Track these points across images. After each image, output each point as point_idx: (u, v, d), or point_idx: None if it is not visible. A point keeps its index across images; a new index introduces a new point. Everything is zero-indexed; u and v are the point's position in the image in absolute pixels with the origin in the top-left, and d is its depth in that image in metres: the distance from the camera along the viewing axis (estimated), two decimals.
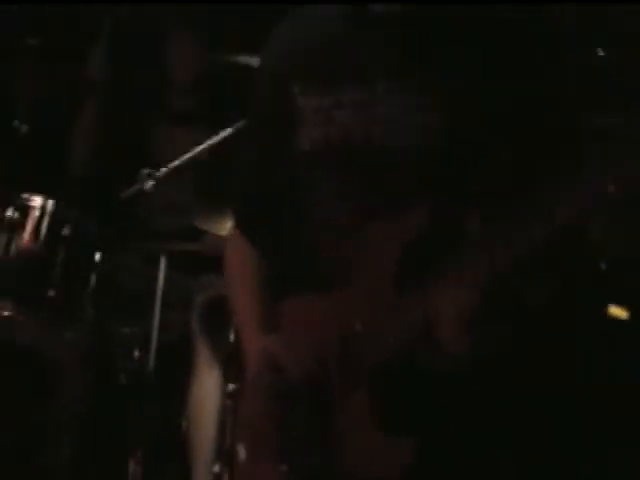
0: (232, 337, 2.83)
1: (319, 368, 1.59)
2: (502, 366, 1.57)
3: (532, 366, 1.64)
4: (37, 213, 3.08)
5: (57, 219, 3.08)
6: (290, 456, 1.61)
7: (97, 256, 3.12)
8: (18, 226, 3.03)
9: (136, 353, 2.94)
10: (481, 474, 1.56)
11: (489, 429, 1.57)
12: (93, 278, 3.09)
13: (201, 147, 3.28)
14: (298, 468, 1.60)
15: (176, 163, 3.27)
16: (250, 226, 1.82)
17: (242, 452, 1.70)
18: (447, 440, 1.54)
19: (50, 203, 3.11)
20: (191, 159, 3.29)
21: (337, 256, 1.62)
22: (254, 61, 2.12)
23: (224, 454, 2.63)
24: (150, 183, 3.20)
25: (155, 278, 3.07)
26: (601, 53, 1.60)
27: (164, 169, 3.24)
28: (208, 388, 2.98)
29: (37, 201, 3.09)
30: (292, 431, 1.61)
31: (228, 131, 3.22)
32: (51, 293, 2.95)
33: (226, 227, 2.93)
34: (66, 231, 3.08)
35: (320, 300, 1.63)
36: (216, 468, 2.62)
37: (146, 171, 3.22)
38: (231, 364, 2.83)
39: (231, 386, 2.74)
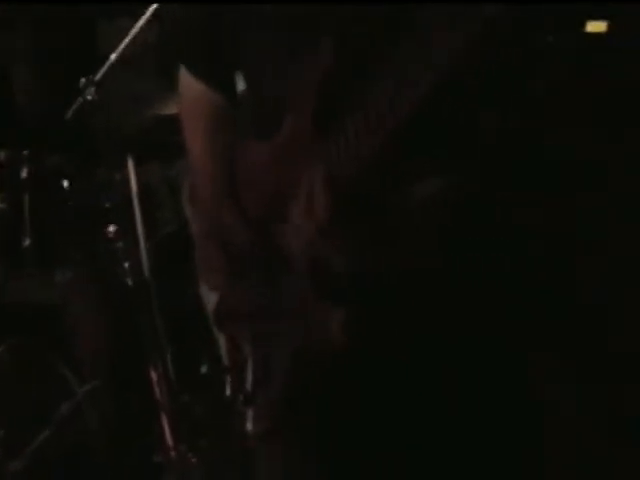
0: None
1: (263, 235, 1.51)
2: None
3: None
4: None
5: (12, 167, 2.94)
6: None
7: (65, 184, 2.96)
8: None
9: (126, 264, 2.76)
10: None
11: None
12: (68, 209, 2.94)
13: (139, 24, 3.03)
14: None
15: (116, 54, 3.03)
16: (197, 63, 1.70)
17: None
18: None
19: (1, 154, 2.97)
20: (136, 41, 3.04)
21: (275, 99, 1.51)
22: None
23: None
24: (92, 91, 2.98)
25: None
26: None
27: (103, 69, 3.02)
28: None
29: None
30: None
31: None
32: (26, 242, 2.81)
33: None
34: (24, 174, 2.93)
35: (263, 147, 1.52)
36: None
37: (84, 80, 3.00)
38: None
39: None
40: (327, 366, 1.44)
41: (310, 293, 1.42)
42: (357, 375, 1.45)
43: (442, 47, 1.20)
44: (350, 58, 1.37)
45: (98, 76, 3.01)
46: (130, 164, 2.94)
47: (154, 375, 2.63)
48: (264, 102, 1.55)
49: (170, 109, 3.03)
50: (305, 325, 1.44)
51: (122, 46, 3.06)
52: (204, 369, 2.72)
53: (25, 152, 2.96)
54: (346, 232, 1.36)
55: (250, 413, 1.55)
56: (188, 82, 1.72)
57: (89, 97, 2.98)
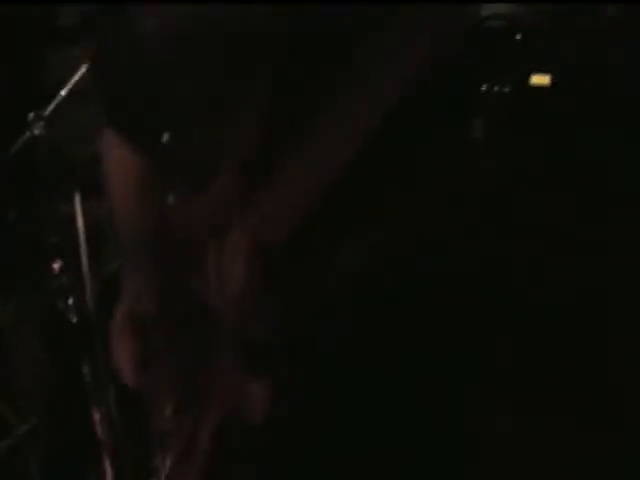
0: None
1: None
2: None
3: None
4: None
5: None
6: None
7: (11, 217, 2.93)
8: None
9: (70, 300, 2.72)
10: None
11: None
12: (13, 242, 2.90)
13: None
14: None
15: (67, 89, 3.01)
16: (124, 122, 1.67)
17: None
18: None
19: None
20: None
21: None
22: None
23: None
24: (40, 125, 2.96)
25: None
26: None
27: (53, 104, 2.99)
28: None
29: None
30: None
31: None
32: None
33: None
34: None
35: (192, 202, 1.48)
36: None
37: (32, 114, 2.97)
38: None
39: None
40: (253, 437, 1.39)
41: (230, 360, 1.37)
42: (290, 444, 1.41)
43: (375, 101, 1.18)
44: (287, 106, 1.33)
45: (47, 111, 2.99)
46: (77, 198, 2.91)
47: (96, 414, 2.59)
48: (196, 157, 1.50)
49: None
50: (226, 396, 1.38)
51: (73, 80, 3.04)
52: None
53: None
54: (265, 298, 1.30)
55: None
56: (113, 143, 1.69)
57: (37, 132, 2.96)
